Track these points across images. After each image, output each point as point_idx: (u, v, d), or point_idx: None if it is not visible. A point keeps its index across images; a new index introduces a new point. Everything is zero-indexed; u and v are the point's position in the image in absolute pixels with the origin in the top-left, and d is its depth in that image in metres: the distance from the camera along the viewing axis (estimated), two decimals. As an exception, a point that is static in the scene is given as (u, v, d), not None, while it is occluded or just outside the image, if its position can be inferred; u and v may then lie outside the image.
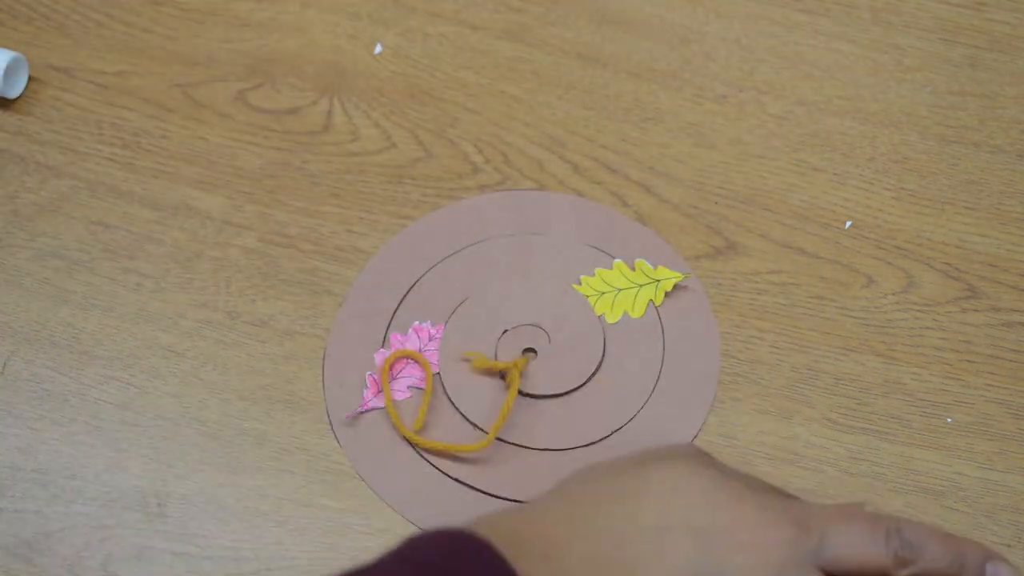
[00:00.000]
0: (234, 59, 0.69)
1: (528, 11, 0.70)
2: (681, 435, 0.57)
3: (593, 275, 0.62)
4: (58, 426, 0.59)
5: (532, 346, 0.60)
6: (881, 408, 0.58)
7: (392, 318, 0.61)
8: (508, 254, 0.62)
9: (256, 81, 0.68)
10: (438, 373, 0.59)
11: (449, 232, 0.63)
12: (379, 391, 0.59)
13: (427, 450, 0.57)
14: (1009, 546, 0.55)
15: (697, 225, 0.63)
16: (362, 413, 0.59)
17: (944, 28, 0.69)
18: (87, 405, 0.59)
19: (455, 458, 0.57)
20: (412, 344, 0.60)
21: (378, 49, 0.69)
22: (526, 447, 0.57)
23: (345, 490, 0.57)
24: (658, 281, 0.61)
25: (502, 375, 0.59)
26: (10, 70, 0.66)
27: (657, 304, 0.61)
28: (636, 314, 0.60)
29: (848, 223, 0.63)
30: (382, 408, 0.58)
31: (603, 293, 0.61)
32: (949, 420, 0.58)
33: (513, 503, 0.56)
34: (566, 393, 0.59)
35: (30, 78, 0.68)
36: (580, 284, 0.61)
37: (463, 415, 0.58)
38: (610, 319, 0.60)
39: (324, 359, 0.60)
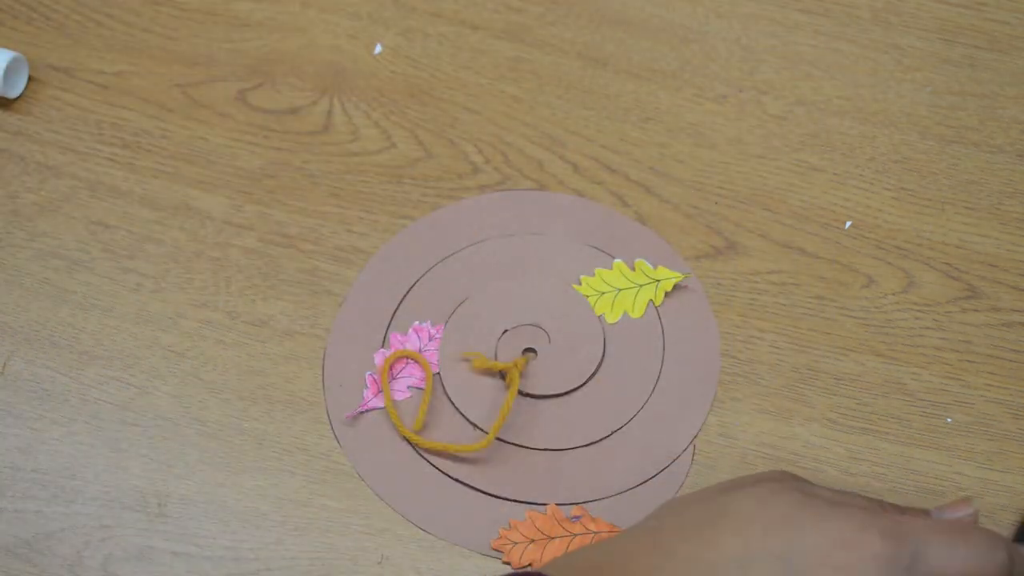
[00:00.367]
0: (234, 59, 0.69)
1: (528, 11, 0.70)
2: (681, 435, 0.57)
3: (593, 275, 0.62)
4: (58, 426, 0.59)
5: (532, 346, 0.60)
6: (881, 408, 0.58)
7: (392, 318, 0.61)
8: (508, 254, 0.62)
9: (256, 81, 0.68)
10: (438, 373, 0.59)
11: (449, 232, 0.63)
12: (379, 391, 0.59)
13: (427, 450, 0.57)
14: (1009, 546, 0.55)
15: (697, 225, 0.63)
16: (362, 413, 0.59)
17: (944, 28, 0.69)
18: (87, 405, 0.59)
19: (455, 458, 0.57)
20: (412, 344, 0.60)
21: (378, 49, 0.69)
22: (526, 447, 0.57)
23: (345, 490, 0.57)
24: (658, 281, 0.61)
25: (502, 375, 0.59)
26: (10, 70, 0.66)
27: (657, 304, 0.61)
28: (636, 314, 0.60)
29: (848, 223, 0.63)
30: (382, 408, 0.58)
31: (603, 293, 0.61)
32: (949, 420, 0.58)
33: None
34: (566, 393, 0.59)
35: (30, 78, 0.68)
36: (580, 284, 0.61)
37: (463, 415, 0.58)
38: (610, 319, 0.60)
39: (324, 359, 0.60)
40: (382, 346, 0.60)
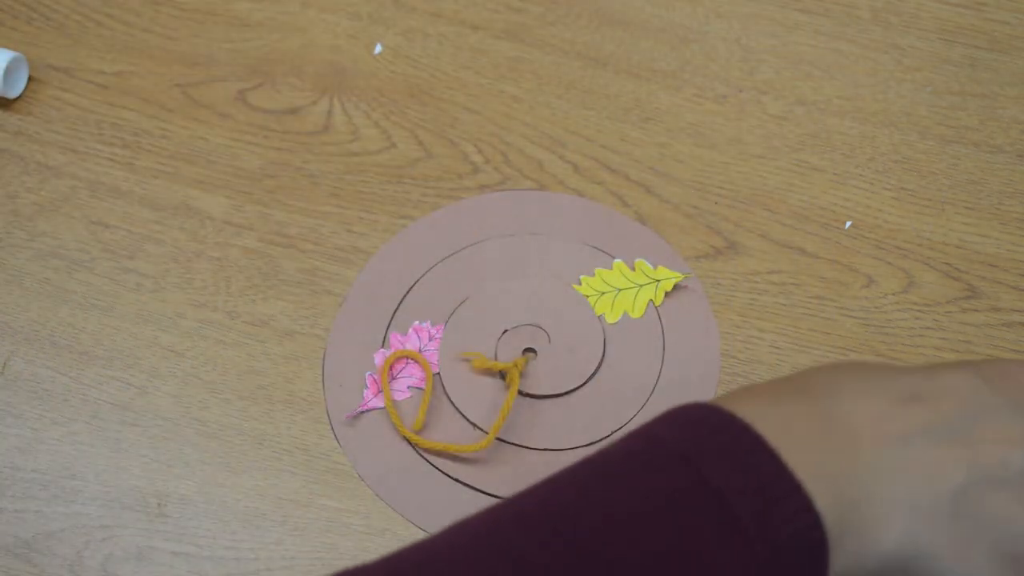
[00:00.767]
0: (234, 59, 0.69)
1: (528, 11, 0.70)
2: (681, 435, 0.57)
3: (593, 275, 0.62)
4: (58, 426, 0.59)
5: (532, 346, 0.60)
6: (881, 408, 0.58)
7: (392, 318, 0.61)
8: (508, 254, 0.62)
9: (256, 81, 0.68)
10: (438, 373, 0.59)
11: (449, 232, 0.63)
12: (379, 391, 0.59)
13: (427, 450, 0.57)
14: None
15: (697, 225, 0.63)
16: (362, 413, 0.59)
17: (944, 28, 0.69)
18: (87, 405, 0.59)
19: (455, 458, 0.57)
20: (412, 344, 0.60)
21: (378, 49, 0.69)
22: (526, 447, 0.57)
23: (345, 490, 0.57)
24: (658, 281, 0.61)
25: (502, 375, 0.59)
26: (10, 70, 0.66)
27: (657, 304, 0.61)
28: (636, 314, 0.60)
29: (848, 223, 0.63)
30: (382, 408, 0.58)
31: (603, 293, 0.61)
32: (949, 420, 0.58)
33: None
34: (566, 393, 0.59)
35: (30, 78, 0.68)
36: (580, 284, 0.61)
37: (463, 415, 0.58)
38: (610, 319, 0.60)
39: (324, 359, 0.60)
40: (382, 346, 0.60)
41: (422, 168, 0.65)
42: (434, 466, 0.57)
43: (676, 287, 0.61)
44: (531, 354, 0.60)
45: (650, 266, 0.62)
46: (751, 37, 0.69)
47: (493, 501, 0.56)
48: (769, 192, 0.64)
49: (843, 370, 0.44)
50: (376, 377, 0.59)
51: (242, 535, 0.56)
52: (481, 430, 0.58)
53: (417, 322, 0.61)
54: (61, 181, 0.65)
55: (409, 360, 0.60)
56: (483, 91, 0.68)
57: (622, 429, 0.58)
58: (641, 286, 0.61)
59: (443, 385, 0.59)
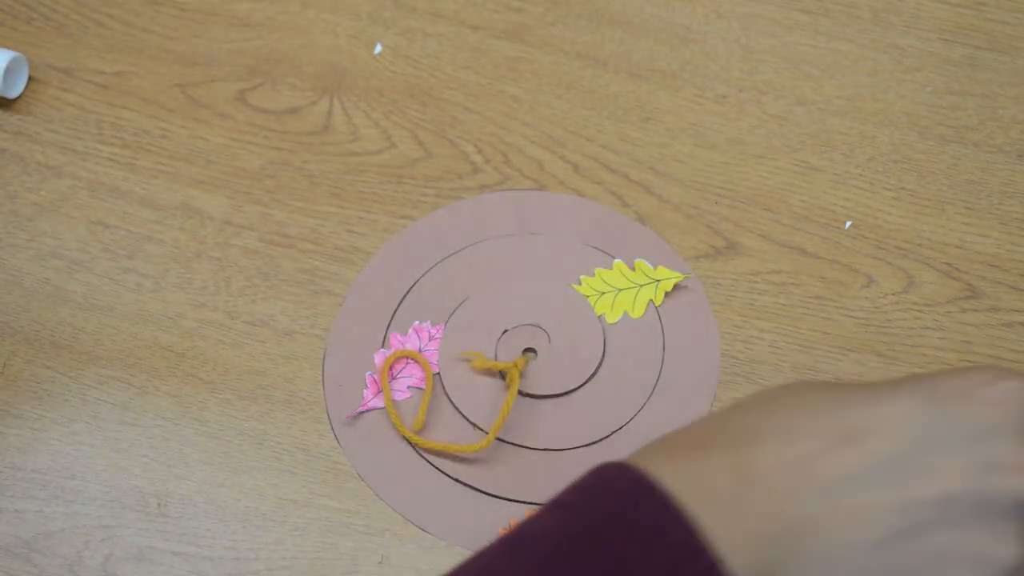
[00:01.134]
0: (234, 59, 0.69)
1: (528, 11, 0.70)
2: (681, 435, 0.57)
3: (593, 275, 0.62)
4: (58, 426, 0.59)
5: (532, 346, 0.60)
6: (881, 408, 0.58)
7: (392, 318, 0.61)
8: (508, 254, 0.62)
9: (256, 81, 0.68)
10: (438, 373, 0.59)
11: (449, 232, 0.63)
12: (379, 391, 0.59)
13: (427, 450, 0.57)
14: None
15: (697, 225, 0.63)
16: (362, 413, 0.59)
17: (944, 28, 0.69)
18: (87, 405, 0.59)
19: (455, 458, 0.57)
20: (412, 344, 0.60)
21: (378, 49, 0.69)
22: (526, 447, 0.57)
23: (345, 490, 0.57)
24: (658, 281, 0.61)
25: (502, 375, 0.59)
26: (10, 70, 0.66)
27: (657, 304, 0.61)
28: (636, 314, 0.60)
29: (848, 223, 0.63)
30: (382, 408, 0.58)
31: (603, 293, 0.61)
32: (949, 420, 0.58)
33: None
34: (566, 393, 0.59)
35: (30, 78, 0.68)
36: (580, 284, 0.61)
37: (463, 415, 0.58)
38: (610, 319, 0.60)
39: (324, 359, 0.60)
40: (382, 346, 0.60)
41: (422, 168, 0.65)
42: (434, 466, 0.57)
43: (676, 287, 0.61)
44: (531, 354, 0.60)
45: (650, 266, 0.62)
46: (751, 37, 0.69)
47: (493, 501, 0.57)
48: (769, 192, 0.64)
49: (772, 406, 0.42)
50: (376, 377, 0.59)
51: (242, 535, 0.56)
52: (481, 430, 0.58)
53: (417, 322, 0.61)
54: (61, 181, 0.65)
55: (409, 360, 0.60)
56: (483, 91, 0.68)
57: (622, 429, 0.58)
58: (641, 286, 0.61)
59: (443, 385, 0.59)
